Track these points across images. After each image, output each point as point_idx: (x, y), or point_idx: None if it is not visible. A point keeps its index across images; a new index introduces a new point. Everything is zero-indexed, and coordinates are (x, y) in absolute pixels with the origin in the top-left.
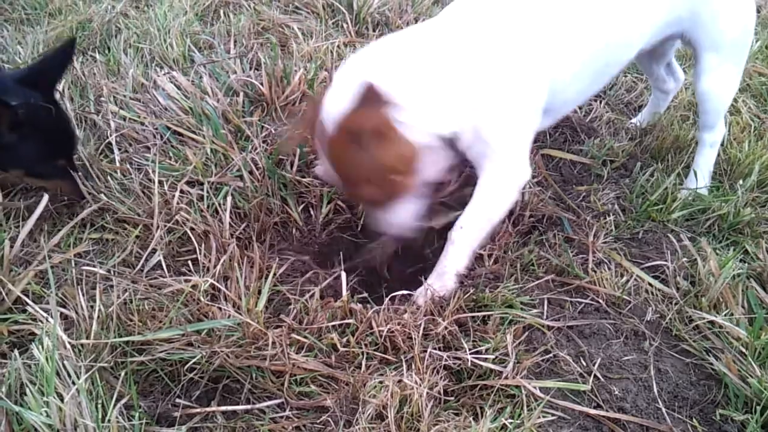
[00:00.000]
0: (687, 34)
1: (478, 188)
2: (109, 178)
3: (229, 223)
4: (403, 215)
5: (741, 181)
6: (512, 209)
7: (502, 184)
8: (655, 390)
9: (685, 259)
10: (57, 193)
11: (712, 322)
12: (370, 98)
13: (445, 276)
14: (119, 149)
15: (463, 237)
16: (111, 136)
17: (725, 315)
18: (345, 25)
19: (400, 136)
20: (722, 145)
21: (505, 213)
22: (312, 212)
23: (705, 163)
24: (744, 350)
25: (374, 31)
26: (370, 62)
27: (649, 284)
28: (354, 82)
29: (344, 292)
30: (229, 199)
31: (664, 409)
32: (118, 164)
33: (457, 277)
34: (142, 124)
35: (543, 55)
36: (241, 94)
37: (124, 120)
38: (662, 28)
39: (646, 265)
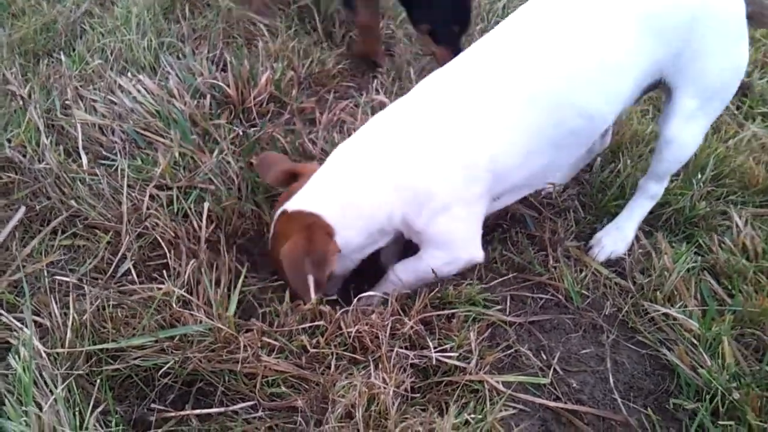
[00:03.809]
0: (666, 78)
1: (426, 253)
2: (78, 183)
3: (200, 227)
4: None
5: (699, 175)
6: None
7: (446, 264)
8: (612, 381)
9: (639, 251)
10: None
11: (666, 315)
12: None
13: (374, 298)
14: (86, 153)
15: (395, 281)
16: (79, 140)
17: (679, 307)
18: (311, 23)
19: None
20: None
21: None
22: None
23: (640, 213)
24: (695, 341)
25: (340, 27)
26: (320, 194)
27: (607, 278)
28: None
29: (313, 295)
30: (206, 205)
31: (619, 400)
32: (86, 168)
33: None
34: (110, 128)
35: (479, 155)
36: (208, 96)
37: (92, 124)
38: (640, 82)
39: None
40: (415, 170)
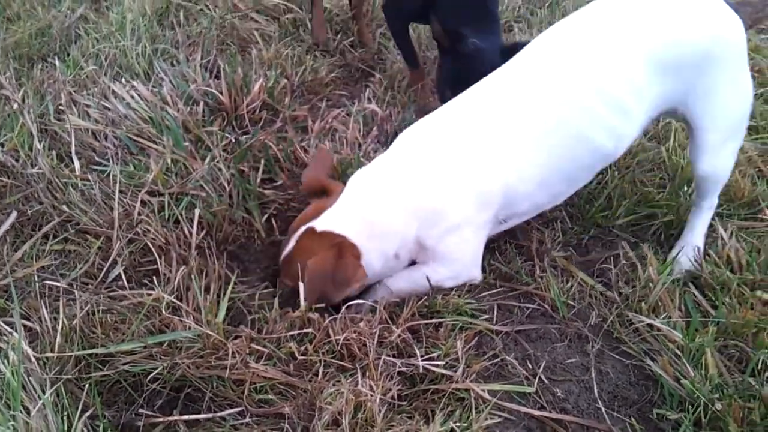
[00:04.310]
0: (680, 112)
1: (427, 267)
2: (70, 188)
3: (190, 234)
4: None
5: (685, 188)
6: None
7: (447, 279)
8: (596, 391)
9: (624, 262)
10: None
11: (650, 326)
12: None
13: (363, 305)
14: (79, 158)
15: (386, 290)
16: (72, 145)
17: (663, 318)
18: (305, 31)
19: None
20: (667, 151)
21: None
22: (275, 223)
23: (702, 226)
24: (679, 352)
25: (336, 34)
26: (347, 216)
27: (592, 287)
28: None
29: (302, 302)
30: (197, 211)
31: (603, 409)
32: (78, 173)
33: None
34: (103, 133)
35: (492, 183)
36: (201, 103)
37: (85, 130)
38: (650, 117)
39: (591, 270)
40: (432, 193)
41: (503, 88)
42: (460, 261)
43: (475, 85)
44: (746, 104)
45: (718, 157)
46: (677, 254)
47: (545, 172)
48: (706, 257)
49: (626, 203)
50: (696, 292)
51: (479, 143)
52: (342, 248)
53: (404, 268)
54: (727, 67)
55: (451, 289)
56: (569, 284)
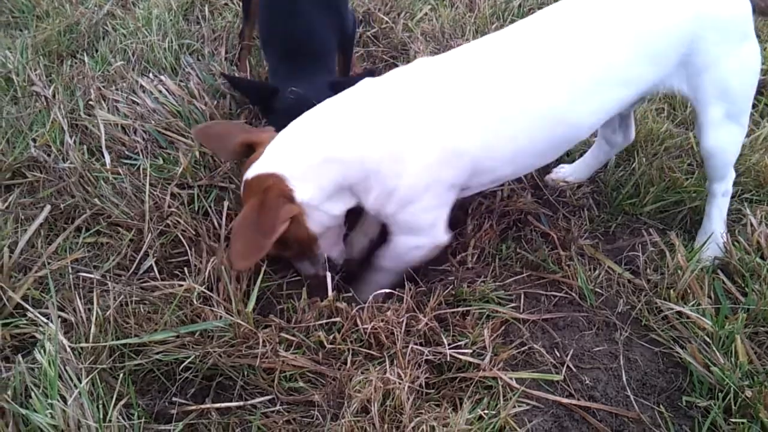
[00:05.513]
0: (676, 90)
1: (396, 239)
2: (101, 181)
3: (220, 225)
4: (306, 268)
5: None
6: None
7: (410, 249)
8: (624, 378)
9: (652, 249)
10: None
11: (679, 313)
12: (275, 190)
13: (365, 291)
14: (109, 152)
15: (378, 271)
16: (102, 139)
17: (692, 305)
18: None
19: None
20: (695, 136)
21: (418, 263)
22: None
23: (719, 213)
24: (708, 339)
25: (360, 28)
26: (282, 155)
27: (619, 275)
28: (266, 170)
29: (330, 292)
30: (225, 203)
31: (632, 397)
32: (109, 167)
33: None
34: (132, 128)
35: (460, 144)
36: (228, 96)
37: (114, 124)
38: (636, 97)
39: (619, 257)
40: (393, 135)
41: (491, 58)
42: (421, 229)
43: (465, 47)
44: (749, 76)
45: (720, 131)
46: (702, 245)
47: (517, 144)
48: (735, 243)
49: (654, 190)
50: (725, 279)
51: (459, 105)
52: (266, 191)
53: (384, 249)
54: (722, 45)
55: (477, 275)
56: (597, 272)
